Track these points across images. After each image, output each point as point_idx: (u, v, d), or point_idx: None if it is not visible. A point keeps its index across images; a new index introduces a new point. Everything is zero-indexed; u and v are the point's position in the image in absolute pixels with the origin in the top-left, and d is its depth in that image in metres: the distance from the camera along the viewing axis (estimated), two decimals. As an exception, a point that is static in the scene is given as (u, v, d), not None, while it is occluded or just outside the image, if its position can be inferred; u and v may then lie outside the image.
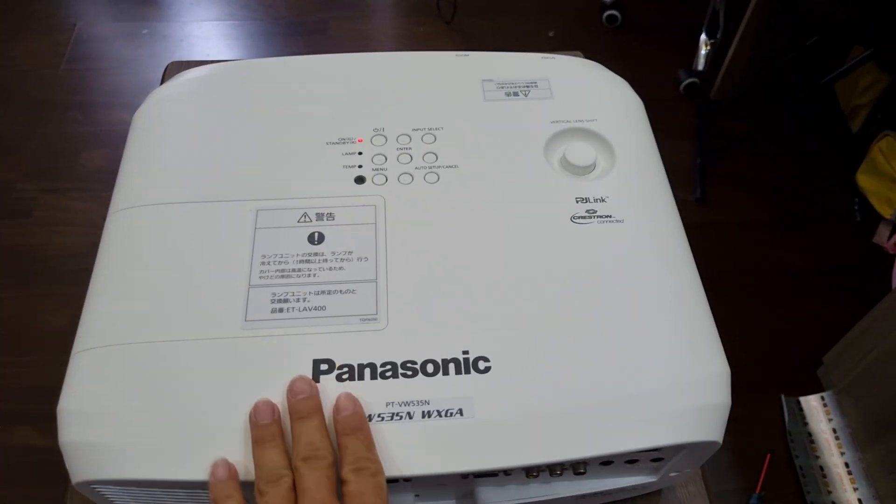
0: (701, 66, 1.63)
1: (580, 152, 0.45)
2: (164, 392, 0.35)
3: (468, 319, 0.38)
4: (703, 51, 1.63)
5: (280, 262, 0.40)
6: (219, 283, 0.39)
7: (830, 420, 1.12)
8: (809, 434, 1.12)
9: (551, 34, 1.78)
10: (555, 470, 0.37)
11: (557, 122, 0.47)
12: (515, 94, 0.49)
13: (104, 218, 1.54)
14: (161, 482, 0.34)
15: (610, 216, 0.42)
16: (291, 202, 0.42)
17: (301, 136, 0.46)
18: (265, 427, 0.33)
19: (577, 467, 0.37)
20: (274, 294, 0.38)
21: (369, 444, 0.34)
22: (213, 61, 0.62)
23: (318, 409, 0.34)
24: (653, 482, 0.42)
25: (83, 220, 1.43)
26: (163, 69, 1.82)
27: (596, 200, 0.43)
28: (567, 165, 0.45)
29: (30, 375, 1.21)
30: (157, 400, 0.35)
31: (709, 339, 0.39)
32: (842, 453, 1.09)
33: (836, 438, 1.10)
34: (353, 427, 0.34)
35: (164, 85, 0.50)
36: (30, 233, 1.40)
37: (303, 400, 0.34)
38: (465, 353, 0.37)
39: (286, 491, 0.32)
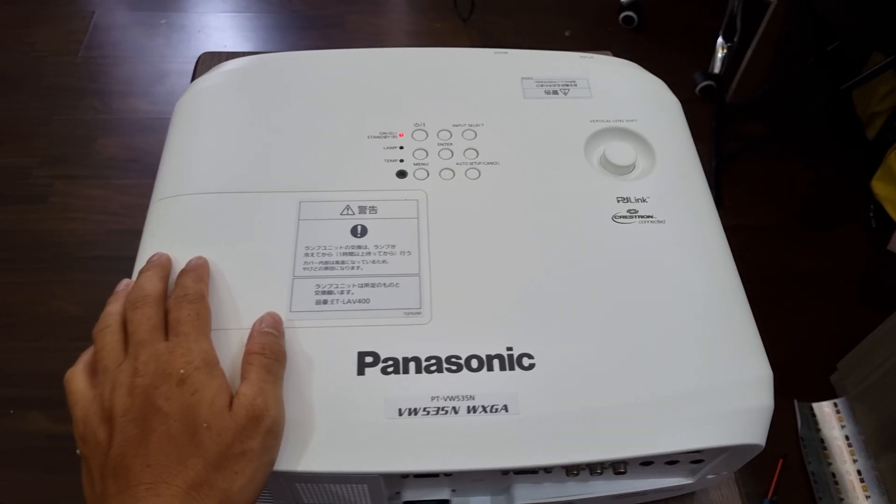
0: (717, 68, 1.62)
1: (621, 152, 0.45)
2: (211, 380, 0.35)
3: (511, 316, 0.38)
4: (719, 54, 1.63)
5: (324, 254, 0.40)
6: (263, 273, 0.39)
7: (843, 427, 1.12)
8: (822, 440, 1.12)
9: (567, 34, 1.77)
10: (595, 469, 0.38)
11: (597, 121, 0.47)
12: (555, 92, 0.49)
13: (120, 205, 1.53)
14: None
15: (651, 216, 0.42)
16: (334, 195, 0.42)
17: (342, 129, 0.46)
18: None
19: (618, 467, 0.37)
20: (318, 286, 0.39)
21: (198, 277, 0.37)
22: (247, 53, 0.62)
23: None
24: (689, 484, 0.42)
25: (98, 207, 1.43)
26: (179, 59, 1.82)
27: (637, 200, 0.43)
28: (607, 165, 0.45)
29: (42, 361, 1.22)
30: (204, 388, 0.35)
31: (751, 341, 0.39)
32: (854, 460, 1.09)
33: (849, 446, 1.10)
34: (189, 267, 0.38)
35: (206, 75, 0.50)
36: (45, 219, 1.40)
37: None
38: (510, 349, 0.37)
39: (115, 333, 0.35)
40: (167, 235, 0.41)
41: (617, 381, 0.36)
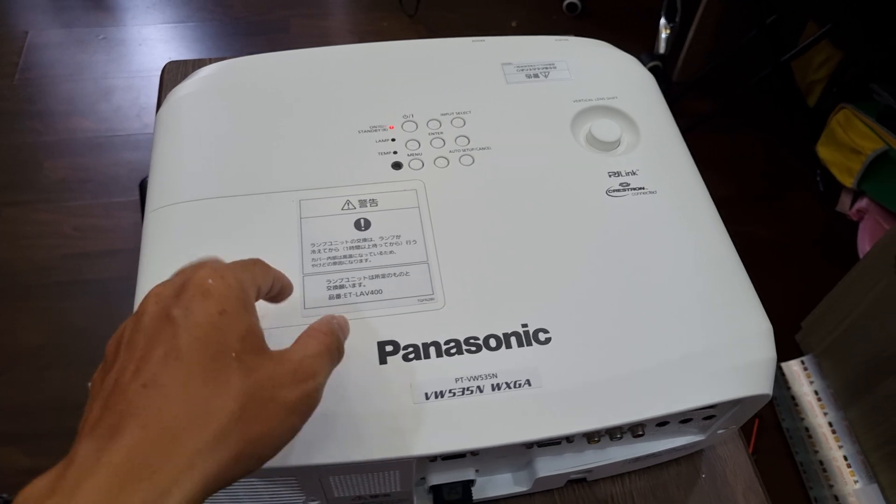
0: (662, 49, 1.67)
1: (606, 128, 0.46)
2: (234, 383, 0.35)
3: (522, 294, 0.39)
4: (663, 34, 1.67)
5: (330, 250, 0.40)
6: (272, 273, 0.39)
7: (812, 383, 1.17)
8: (793, 397, 1.17)
9: (514, 24, 1.80)
10: (615, 434, 0.39)
11: (580, 101, 0.48)
12: (536, 75, 0.50)
13: (73, 227, 1.49)
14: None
15: (643, 188, 0.44)
16: (332, 191, 0.42)
17: (332, 125, 0.46)
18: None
19: (636, 429, 0.39)
20: (329, 281, 0.39)
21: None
22: (215, 59, 0.61)
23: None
24: (700, 441, 0.43)
25: (51, 231, 1.39)
26: (123, 74, 1.78)
27: (627, 174, 0.44)
28: (594, 142, 0.46)
29: (10, 394, 1.17)
30: (228, 391, 0.35)
31: (750, 298, 0.40)
32: (825, 413, 1.14)
33: (819, 400, 1.15)
34: None
35: (183, 83, 0.49)
36: (-3, 248, 1.35)
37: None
38: (525, 325, 0.38)
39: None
40: (168, 245, 0.41)
41: (631, 346, 0.37)
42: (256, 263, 0.31)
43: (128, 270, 1.35)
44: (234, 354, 0.26)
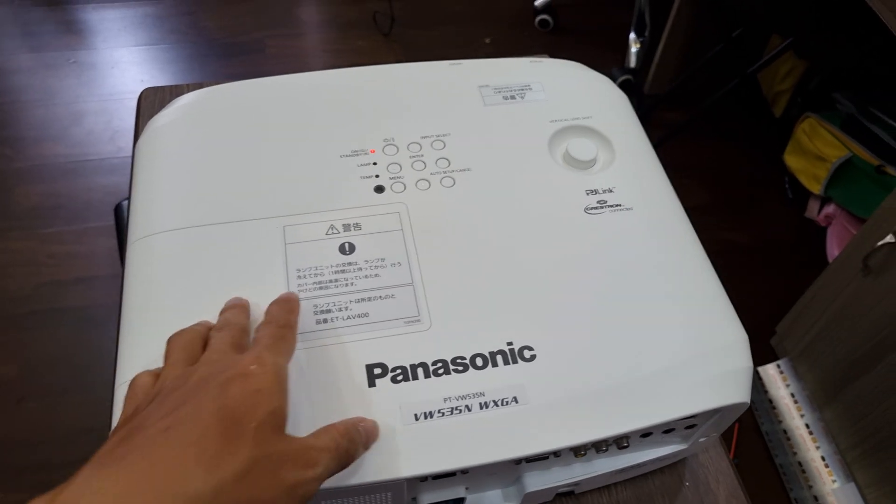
0: (633, 63, 1.70)
1: (582, 147, 0.47)
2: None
3: (507, 312, 0.40)
4: (633, 49, 1.71)
5: (316, 275, 0.40)
6: (258, 300, 0.39)
7: (788, 385, 1.20)
8: (770, 401, 1.19)
9: (488, 41, 1.82)
10: (601, 446, 0.40)
11: (556, 121, 0.49)
12: (512, 97, 0.51)
13: (47, 255, 1.47)
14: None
15: (620, 205, 0.45)
16: (316, 216, 0.43)
17: (313, 151, 0.46)
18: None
19: (621, 441, 0.40)
20: (316, 306, 0.39)
21: (289, 308, 0.37)
22: (196, 85, 0.62)
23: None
24: (683, 449, 0.44)
25: (25, 260, 1.37)
26: (94, 98, 1.76)
27: (604, 191, 0.46)
28: (571, 161, 0.47)
29: (-15, 428, 1.15)
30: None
31: (725, 310, 0.42)
32: (801, 415, 1.16)
33: (795, 402, 1.18)
34: (280, 298, 0.38)
35: (162, 112, 0.49)
36: (-32, 278, 1.33)
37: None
38: (510, 343, 0.38)
39: (193, 338, 0.35)
40: (152, 274, 0.41)
41: (613, 360, 0.38)
42: (286, 338, 0.35)
43: (104, 298, 1.33)
44: (253, 425, 0.29)
